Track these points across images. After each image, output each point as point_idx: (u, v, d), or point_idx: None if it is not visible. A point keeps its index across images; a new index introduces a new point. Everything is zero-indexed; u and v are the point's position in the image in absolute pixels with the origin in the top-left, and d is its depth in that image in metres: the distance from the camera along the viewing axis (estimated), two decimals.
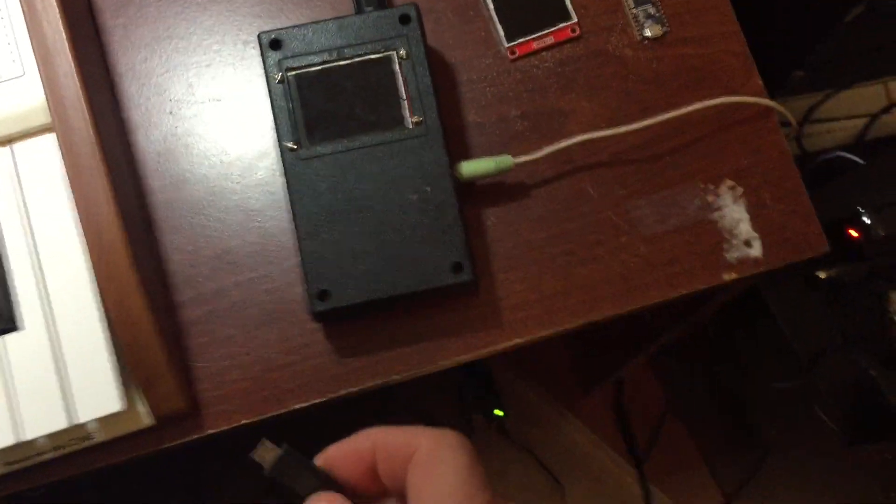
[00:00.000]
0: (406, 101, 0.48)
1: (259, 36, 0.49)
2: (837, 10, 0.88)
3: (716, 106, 0.52)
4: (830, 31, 0.92)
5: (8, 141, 0.47)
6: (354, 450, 0.32)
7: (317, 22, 0.49)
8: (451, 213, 0.47)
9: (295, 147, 0.47)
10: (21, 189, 0.47)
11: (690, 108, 0.52)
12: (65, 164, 0.46)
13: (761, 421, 0.99)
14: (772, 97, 0.53)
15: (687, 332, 0.87)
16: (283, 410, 0.49)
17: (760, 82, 0.53)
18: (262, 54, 0.48)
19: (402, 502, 0.31)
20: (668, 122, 0.51)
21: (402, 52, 0.48)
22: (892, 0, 0.86)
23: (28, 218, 0.46)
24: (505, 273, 0.51)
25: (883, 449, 0.81)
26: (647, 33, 0.54)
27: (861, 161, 0.90)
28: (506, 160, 0.50)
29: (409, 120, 0.48)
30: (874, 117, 1.14)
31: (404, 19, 0.48)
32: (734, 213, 0.52)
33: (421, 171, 0.47)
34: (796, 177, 0.53)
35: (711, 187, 0.52)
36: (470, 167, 0.49)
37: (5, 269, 0.46)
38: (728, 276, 0.51)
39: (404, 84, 0.48)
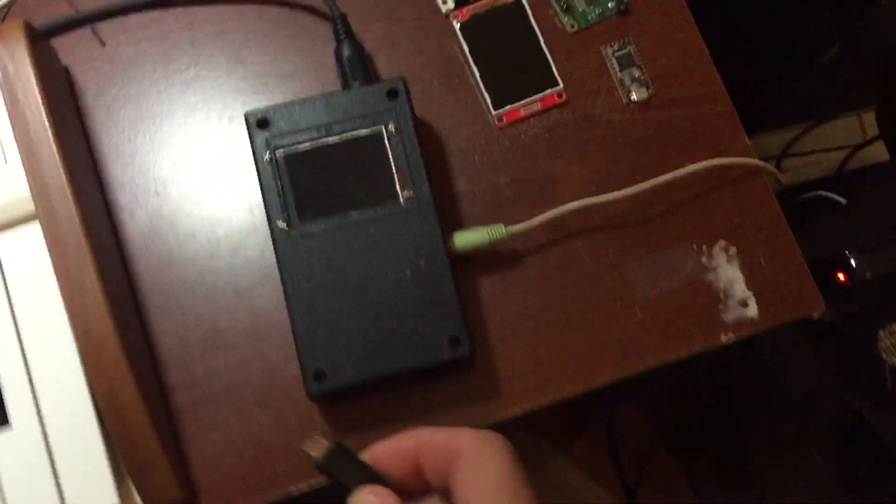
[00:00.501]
0: (397, 176, 0.47)
1: (246, 115, 0.48)
2: (814, 52, 0.89)
3: (704, 167, 0.52)
4: (807, 70, 0.93)
5: None
6: (399, 448, 0.34)
7: (304, 99, 0.48)
8: (447, 286, 0.47)
9: (286, 227, 0.47)
10: (4, 281, 0.46)
11: (681, 172, 0.52)
12: (50, 254, 0.45)
13: (755, 459, 0.99)
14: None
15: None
16: (281, 494, 0.48)
17: (748, 142, 0.54)
18: (250, 133, 0.48)
19: (444, 499, 0.33)
20: (658, 185, 0.51)
21: (391, 127, 0.48)
22: (863, 41, 0.88)
23: (13, 310, 0.45)
24: (501, 343, 0.50)
25: (880, 490, 0.81)
26: (634, 97, 0.54)
27: (842, 200, 0.91)
28: (498, 230, 0.49)
29: (401, 195, 0.47)
30: (854, 149, 1.16)
31: (392, 94, 0.48)
32: (728, 274, 0.52)
33: (414, 246, 0.47)
34: (788, 234, 0.53)
35: (705, 248, 0.52)
36: (463, 239, 0.49)
37: None
38: (725, 338, 0.51)
39: (394, 159, 0.48)
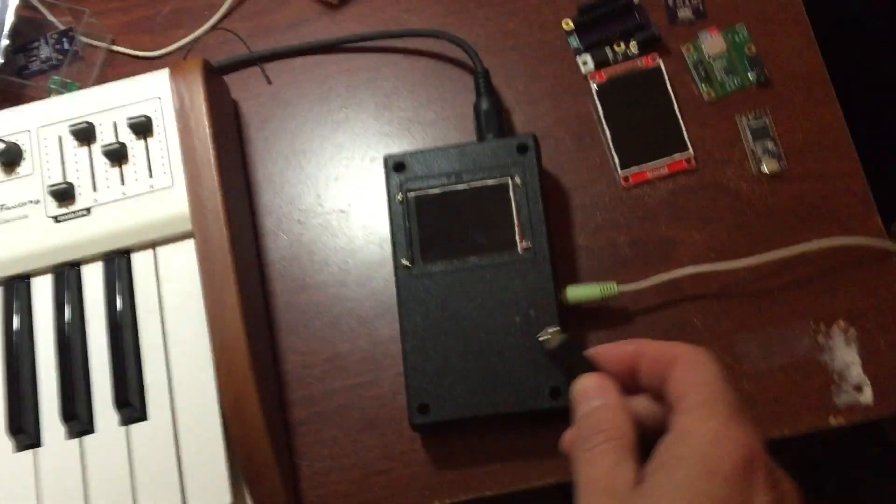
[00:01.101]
0: (517, 226, 0.50)
1: (385, 158, 0.52)
2: None
3: (831, 245, 0.51)
4: None
5: (152, 245, 0.52)
6: (621, 350, 0.38)
7: (440, 148, 0.52)
8: None
9: (409, 264, 0.50)
10: (159, 289, 0.52)
11: (805, 247, 0.51)
12: (200, 270, 0.50)
13: None
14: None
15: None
16: None
17: (880, 223, 0.52)
18: (386, 175, 0.52)
19: (654, 399, 0.36)
20: (781, 257, 0.51)
21: (517, 180, 0.50)
22: None
23: (162, 316, 0.51)
24: None
25: None
26: (765, 168, 0.54)
27: None
28: (611, 287, 0.51)
29: (520, 245, 0.50)
30: None
31: (521, 149, 0.51)
32: (845, 356, 0.51)
33: (527, 295, 0.49)
34: None
35: (822, 327, 0.51)
36: (575, 293, 0.51)
37: (142, 363, 0.50)
38: (835, 421, 0.50)
39: (517, 210, 0.50)
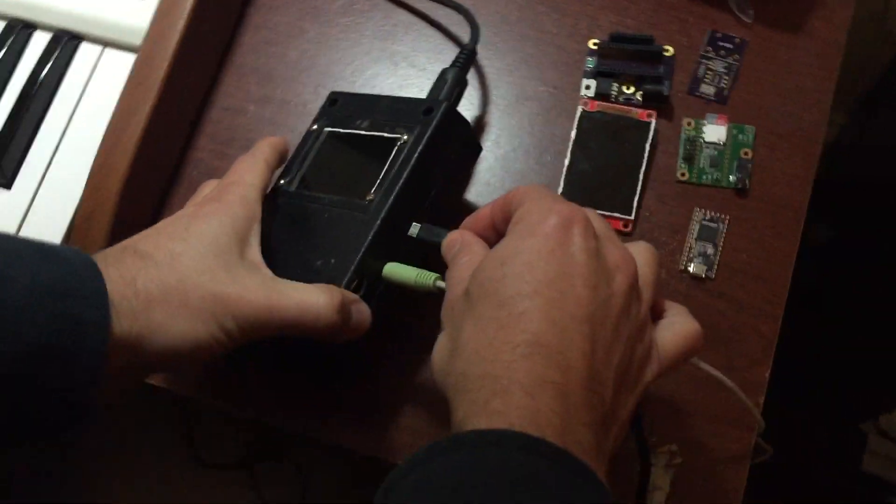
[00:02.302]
0: (378, 180, 0.47)
1: (330, 93, 0.52)
2: None
3: (705, 370, 0.48)
4: None
5: (103, 43, 0.53)
6: (479, 215, 0.43)
7: (371, 95, 0.52)
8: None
9: (286, 187, 0.49)
10: (87, 84, 0.52)
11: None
12: (125, 84, 0.50)
13: None
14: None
15: None
16: None
17: (766, 375, 0.50)
18: (322, 106, 0.52)
19: None
20: None
21: (406, 138, 0.47)
22: None
23: (76, 108, 0.52)
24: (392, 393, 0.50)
25: None
26: (690, 268, 0.51)
27: None
28: (427, 277, 0.44)
29: (367, 196, 0.46)
30: None
31: (427, 111, 0.48)
32: (657, 479, 0.48)
33: (341, 243, 0.46)
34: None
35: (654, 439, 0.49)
36: (392, 269, 0.46)
37: (33, 140, 0.51)
38: None
39: (389, 165, 0.47)
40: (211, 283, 0.40)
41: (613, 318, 0.37)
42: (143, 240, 0.42)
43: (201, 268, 0.41)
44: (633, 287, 0.38)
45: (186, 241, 0.41)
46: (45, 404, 0.36)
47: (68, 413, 0.37)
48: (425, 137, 0.47)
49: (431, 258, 0.45)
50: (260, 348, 0.44)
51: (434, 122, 0.47)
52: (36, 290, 0.35)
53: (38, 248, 0.37)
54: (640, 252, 0.41)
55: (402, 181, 0.46)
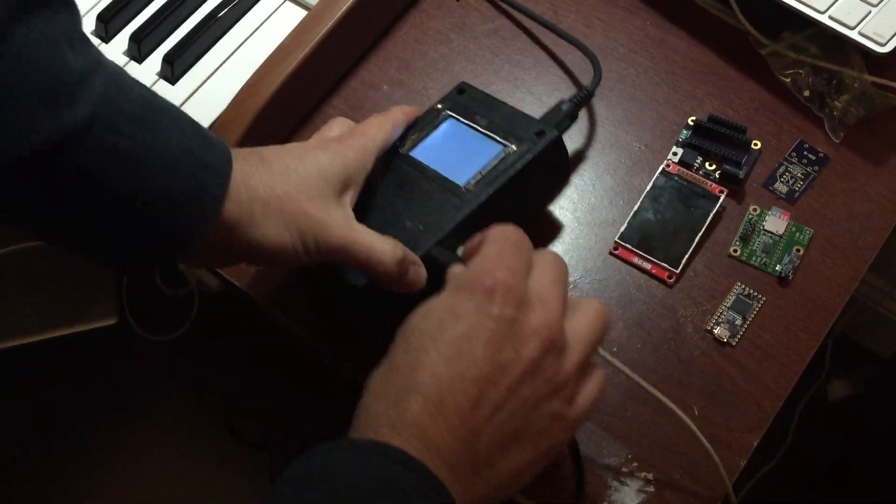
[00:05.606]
0: (482, 173, 0.54)
1: (461, 82, 0.60)
2: None
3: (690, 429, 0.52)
4: None
5: None
6: (473, 241, 0.46)
7: (495, 98, 0.58)
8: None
9: (400, 148, 0.57)
10: (261, 25, 0.62)
11: (670, 404, 0.51)
12: (291, 31, 0.60)
13: None
14: None
15: None
16: None
17: (754, 443, 0.53)
18: (451, 91, 0.59)
19: None
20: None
21: (514, 149, 0.54)
22: None
23: (245, 41, 0.62)
24: None
25: None
26: (715, 331, 0.56)
27: None
28: None
29: (468, 182, 0.53)
30: None
31: (540, 134, 0.55)
32: (627, 500, 0.52)
33: (435, 217, 0.52)
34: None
35: (633, 467, 0.53)
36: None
37: (207, 52, 0.61)
38: None
39: (492, 166, 0.54)
40: (307, 202, 0.48)
41: (511, 380, 0.41)
42: (270, 150, 0.50)
43: (303, 187, 0.48)
44: (550, 351, 0.41)
45: (302, 161, 0.49)
46: (160, 233, 0.45)
47: (171, 247, 0.46)
48: (531, 155, 0.54)
49: None
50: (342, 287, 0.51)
51: (543, 145, 0.54)
52: (185, 152, 0.44)
53: (198, 127, 0.47)
54: (586, 311, 0.45)
55: (500, 183, 0.53)
